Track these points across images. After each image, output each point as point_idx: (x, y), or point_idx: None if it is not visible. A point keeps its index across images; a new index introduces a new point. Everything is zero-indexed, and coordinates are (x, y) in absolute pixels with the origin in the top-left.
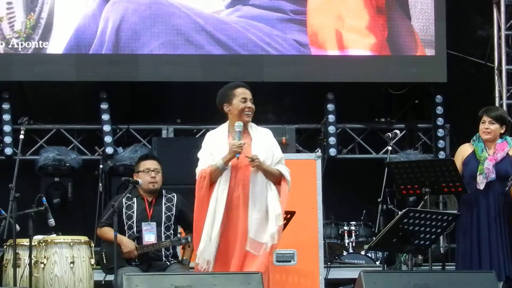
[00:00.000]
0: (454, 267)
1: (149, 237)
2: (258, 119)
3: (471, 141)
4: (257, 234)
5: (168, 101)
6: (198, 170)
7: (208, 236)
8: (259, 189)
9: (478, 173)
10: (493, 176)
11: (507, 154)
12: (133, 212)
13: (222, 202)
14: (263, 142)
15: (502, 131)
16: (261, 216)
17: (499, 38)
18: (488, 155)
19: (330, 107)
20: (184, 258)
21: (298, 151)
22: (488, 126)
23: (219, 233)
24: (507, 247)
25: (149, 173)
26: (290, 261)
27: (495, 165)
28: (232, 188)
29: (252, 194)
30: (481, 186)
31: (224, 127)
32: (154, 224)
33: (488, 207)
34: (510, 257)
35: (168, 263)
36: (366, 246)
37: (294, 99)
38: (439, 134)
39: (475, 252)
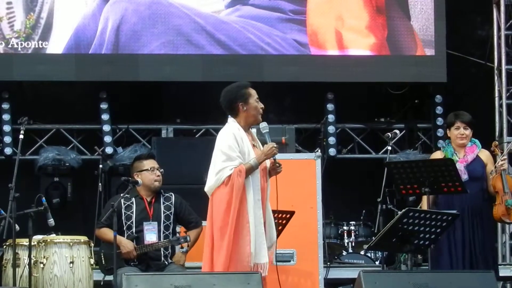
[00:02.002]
0: None
1: (151, 236)
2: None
3: (441, 148)
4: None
5: (167, 101)
6: (224, 168)
7: (260, 237)
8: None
9: None
10: (465, 177)
11: (477, 156)
12: (132, 212)
13: (259, 202)
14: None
15: (471, 135)
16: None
17: (499, 38)
18: (459, 158)
19: (330, 107)
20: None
21: (297, 151)
22: (463, 132)
23: (264, 234)
24: (481, 248)
25: (154, 172)
26: (289, 261)
27: (466, 166)
28: (263, 189)
29: (267, 198)
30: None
31: (237, 126)
32: (155, 223)
33: (462, 209)
34: (483, 257)
35: (167, 263)
36: (365, 246)
37: (293, 99)
38: (438, 134)
39: (446, 252)
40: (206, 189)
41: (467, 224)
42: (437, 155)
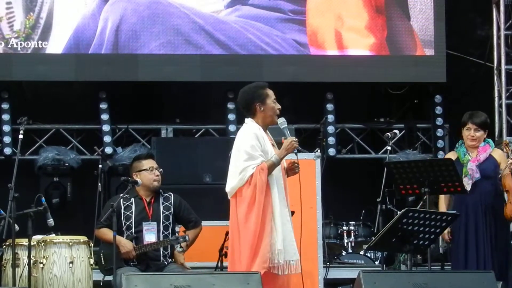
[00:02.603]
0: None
1: (150, 237)
2: None
3: (455, 148)
4: None
5: (167, 101)
6: (247, 167)
7: (289, 235)
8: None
9: (463, 176)
10: (477, 176)
11: (490, 155)
12: (131, 212)
13: (283, 200)
14: None
15: (485, 136)
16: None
17: (499, 38)
18: (471, 157)
19: (330, 107)
20: (183, 235)
21: (297, 151)
22: (473, 134)
23: (292, 231)
24: (494, 247)
25: (153, 171)
26: None
27: (478, 165)
28: (285, 188)
29: (286, 196)
30: (467, 187)
31: (257, 126)
32: (154, 223)
33: (475, 207)
34: (496, 257)
35: (166, 263)
36: (365, 246)
37: (293, 99)
38: (438, 134)
39: (462, 252)
40: (228, 189)
41: (481, 223)
42: (450, 155)
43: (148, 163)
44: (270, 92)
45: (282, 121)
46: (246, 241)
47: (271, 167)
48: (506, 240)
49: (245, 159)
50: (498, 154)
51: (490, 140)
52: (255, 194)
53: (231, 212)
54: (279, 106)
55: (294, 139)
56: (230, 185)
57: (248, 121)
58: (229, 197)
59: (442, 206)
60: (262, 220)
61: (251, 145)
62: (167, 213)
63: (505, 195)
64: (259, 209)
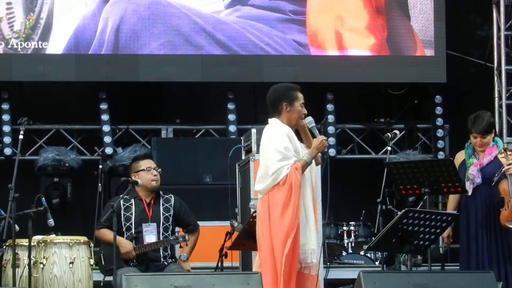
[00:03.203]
0: (453, 267)
1: (150, 238)
2: (258, 119)
3: (464, 148)
4: None
5: (167, 101)
6: (281, 168)
7: (315, 235)
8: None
9: (465, 179)
10: (478, 180)
11: (495, 157)
12: (131, 213)
13: (310, 198)
14: None
15: (493, 136)
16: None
17: (499, 38)
18: (477, 159)
19: (330, 107)
20: (183, 254)
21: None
22: (481, 141)
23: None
24: (495, 250)
25: (151, 171)
26: None
27: (481, 169)
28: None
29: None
30: (469, 191)
31: (284, 125)
32: (154, 225)
33: (476, 211)
34: (497, 260)
35: (166, 263)
36: (365, 246)
37: None
38: (438, 134)
39: (464, 254)
40: (258, 188)
41: (481, 228)
42: (460, 155)
43: (145, 163)
44: (300, 96)
45: (310, 120)
46: (281, 241)
47: (304, 166)
48: (509, 245)
49: (278, 159)
50: (501, 157)
51: (499, 140)
52: (291, 194)
53: (262, 211)
54: (306, 112)
55: (324, 138)
56: (262, 185)
57: (273, 120)
58: (259, 197)
59: (450, 207)
60: (296, 220)
61: (284, 146)
62: (167, 214)
63: (503, 200)
64: (294, 209)
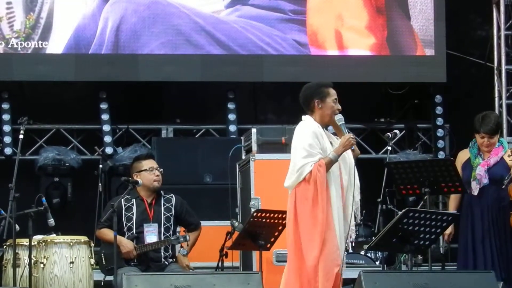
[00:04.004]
0: (453, 267)
1: (151, 238)
2: (258, 119)
3: (469, 146)
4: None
5: (167, 101)
6: (305, 164)
7: (341, 236)
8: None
9: (472, 179)
10: (485, 181)
11: (501, 158)
12: (132, 214)
13: (339, 198)
14: None
15: (499, 137)
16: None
17: (499, 38)
18: (483, 159)
19: None
20: (182, 249)
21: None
22: (488, 141)
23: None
24: (501, 251)
25: (153, 171)
26: None
27: (487, 170)
28: (343, 187)
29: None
30: (474, 192)
31: (316, 123)
32: (156, 225)
33: (482, 212)
34: (504, 261)
35: (167, 263)
36: (365, 246)
37: (294, 99)
38: (438, 134)
39: (470, 255)
40: (286, 184)
41: (487, 229)
42: (463, 153)
43: (148, 163)
44: (332, 92)
45: (339, 118)
46: (314, 239)
47: (329, 164)
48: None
49: (303, 156)
50: (510, 159)
51: (504, 141)
52: (317, 191)
53: (289, 206)
54: (339, 107)
55: (352, 136)
56: (289, 182)
57: (306, 118)
58: (288, 193)
59: (451, 206)
60: (327, 217)
61: (309, 144)
62: (168, 214)
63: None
64: (323, 206)
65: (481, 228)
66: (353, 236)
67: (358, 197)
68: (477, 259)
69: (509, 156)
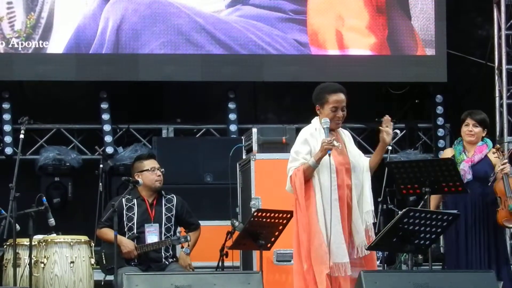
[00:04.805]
0: None
1: (152, 238)
2: (258, 119)
3: (453, 145)
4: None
5: (168, 100)
6: (289, 169)
7: (339, 237)
8: (357, 192)
9: None
10: (469, 177)
11: (486, 156)
12: (133, 214)
13: (335, 201)
14: (352, 144)
15: (484, 134)
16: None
17: (499, 37)
18: (467, 157)
19: None
20: (185, 247)
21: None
22: (471, 129)
23: (342, 233)
24: (485, 248)
25: (155, 172)
26: (290, 261)
27: (471, 166)
28: (340, 189)
29: (356, 198)
30: None
31: (317, 126)
32: (157, 225)
33: (465, 208)
34: (487, 258)
35: (168, 263)
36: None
37: (294, 99)
38: (439, 134)
39: (454, 252)
40: (286, 188)
41: (471, 225)
42: (448, 151)
43: (149, 163)
44: (332, 99)
45: (324, 121)
46: (302, 243)
47: (307, 169)
48: (499, 242)
49: (290, 161)
50: (494, 156)
51: (489, 140)
52: (297, 195)
53: (294, 209)
54: (340, 115)
55: (327, 140)
56: (287, 185)
57: (313, 120)
58: None
59: (432, 206)
60: (309, 221)
61: (296, 150)
62: (169, 215)
63: (498, 200)
64: (301, 211)
65: (465, 224)
66: (365, 242)
67: (367, 207)
68: (460, 257)
69: (494, 153)
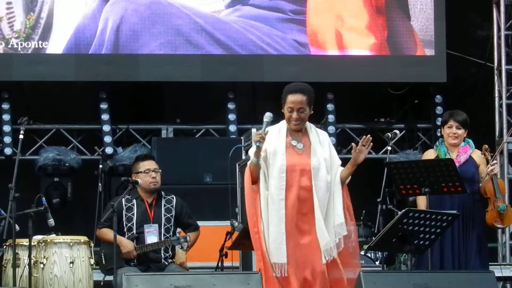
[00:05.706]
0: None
1: (152, 239)
2: (258, 119)
3: (435, 146)
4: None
5: (167, 101)
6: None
7: (280, 237)
8: (322, 195)
9: None
10: None
11: (470, 156)
12: (133, 214)
13: (282, 201)
14: (323, 147)
15: (465, 135)
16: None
17: (499, 38)
18: (451, 157)
19: (330, 107)
20: (184, 236)
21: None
22: (455, 131)
23: (285, 234)
24: (471, 248)
25: (149, 174)
26: None
27: (458, 167)
28: (290, 189)
29: (318, 200)
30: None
31: (281, 125)
32: (156, 226)
33: (452, 209)
34: (473, 258)
35: (167, 264)
36: (365, 246)
37: None
38: (438, 134)
39: (437, 252)
40: None
41: (457, 225)
42: (430, 153)
43: (145, 165)
44: (289, 99)
45: (266, 115)
46: (255, 242)
47: (250, 166)
48: (485, 243)
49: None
50: (477, 155)
51: (470, 140)
52: (246, 194)
53: None
54: (295, 116)
55: (258, 132)
56: None
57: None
58: None
59: (421, 206)
60: (255, 220)
61: (251, 148)
62: (168, 215)
63: (489, 201)
64: (249, 208)
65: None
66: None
67: (339, 220)
68: (445, 257)
69: (481, 153)
